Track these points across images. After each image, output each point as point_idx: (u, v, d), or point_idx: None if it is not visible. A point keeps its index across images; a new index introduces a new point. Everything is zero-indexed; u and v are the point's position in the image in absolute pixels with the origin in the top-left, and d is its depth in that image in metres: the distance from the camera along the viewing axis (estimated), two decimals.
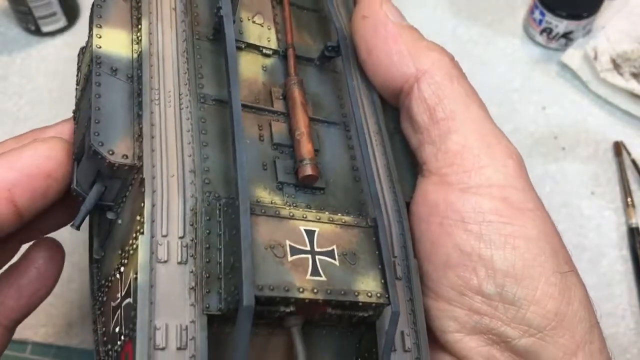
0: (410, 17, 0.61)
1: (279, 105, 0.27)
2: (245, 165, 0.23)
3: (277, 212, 0.23)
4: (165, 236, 0.22)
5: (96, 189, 0.25)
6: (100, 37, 0.26)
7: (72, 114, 0.32)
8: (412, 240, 0.27)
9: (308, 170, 0.25)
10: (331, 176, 0.27)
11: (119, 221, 0.26)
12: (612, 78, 0.54)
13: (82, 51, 0.39)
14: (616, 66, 0.54)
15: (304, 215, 0.24)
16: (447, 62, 0.28)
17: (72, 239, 0.47)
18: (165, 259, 0.22)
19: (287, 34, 0.29)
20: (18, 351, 0.44)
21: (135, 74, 0.26)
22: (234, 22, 0.27)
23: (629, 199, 0.49)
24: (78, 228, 0.26)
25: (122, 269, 0.24)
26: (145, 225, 0.22)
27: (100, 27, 0.27)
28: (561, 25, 0.55)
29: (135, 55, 0.26)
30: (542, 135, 0.53)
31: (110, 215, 0.26)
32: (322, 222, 0.24)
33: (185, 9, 0.27)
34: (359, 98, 0.29)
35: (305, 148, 0.25)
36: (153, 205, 0.22)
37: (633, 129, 0.54)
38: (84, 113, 0.26)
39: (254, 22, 0.29)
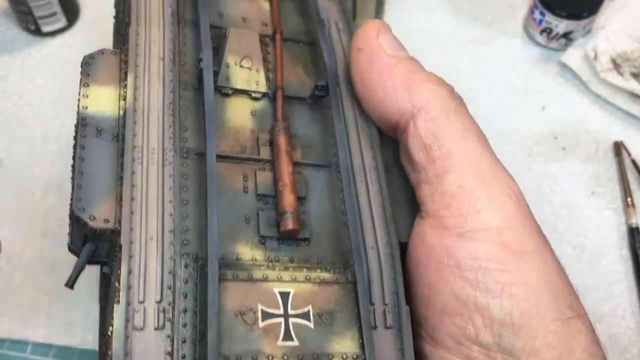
0: (410, 17, 0.61)
1: (265, 153, 0.27)
2: (215, 232, 0.23)
3: (250, 276, 0.23)
4: (142, 302, 0.22)
5: (87, 249, 0.25)
6: (87, 96, 0.26)
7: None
8: (410, 283, 0.27)
9: (289, 225, 0.25)
10: (317, 224, 0.26)
11: (112, 278, 0.26)
12: (612, 78, 0.54)
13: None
14: (616, 66, 0.54)
15: (279, 276, 0.24)
16: (444, 95, 0.27)
17: None
18: (142, 326, 0.22)
19: (277, 75, 0.28)
20: (18, 351, 0.44)
21: (120, 132, 0.26)
22: (219, 71, 0.27)
23: (629, 199, 0.49)
24: (72, 287, 0.26)
25: (110, 329, 0.24)
26: (120, 294, 0.22)
27: (88, 85, 0.27)
28: (561, 25, 0.55)
29: (121, 112, 0.26)
30: (542, 135, 0.53)
31: (105, 270, 0.26)
32: (299, 281, 0.24)
33: (174, 57, 0.27)
34: (356, 132, 0.28)
35: (288, 200, 0.25)
36: (130, 272, 0.22)
37: (633, 128, 0.54)
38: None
39: (241, 66, 0.28)
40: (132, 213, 0.23)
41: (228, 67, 0.28)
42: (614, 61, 0.55)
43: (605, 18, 0.57)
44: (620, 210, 0.50)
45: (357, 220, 0.26)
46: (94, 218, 0.24)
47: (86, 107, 0.26)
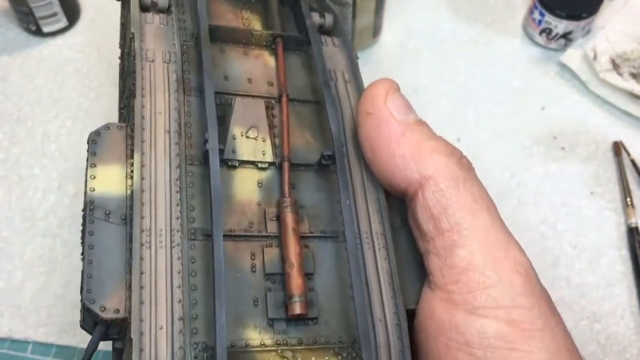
0: (410, 17, 0.61)
1: (272, 227, 0.26)
2: (224, 327, 0.22)
3: None
4: None
5: (98, 331, 0.25)
6: (94, 177, 0.26)
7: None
8: (419, 354, 0.27)
9: (297, 309, 0.24)
10: (325, 300, 0.26)
11: (124, 356, 0.25)
12: (612, 78, 0.54)
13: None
14: (615, 66, 0.54)
15: None
16: (453, 165, 0.27)
17: (71, 239, 0.48)
18: None
19: (283, 144, 0.28)
20: (19, 351, 0.44)
21: (128, 213, 0.25)
22: (225, 143, 0.27)
23: (628, 199, 0.49)
24: None
25: None
26: None
27: (95, 166, 0.26)
28: (561, 26, 0.55)
29: (129, 192, 0.26)
30: (542, 135, 0.53)
31: (118, 345, 0.26)
32: None
33: (179, 129, 0.27)
34: (363, 196, 0.28)
35: (295, 283, 0.25)
36: None
37: (632, 129, 0.54)
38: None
39: (247, 137, 0.28)
40: (141, 303, 0.23)
41: (234, 139, 0.27)
42: (613, 61, 0.55)
43: (605, 18, 0.57)
44: (620, 210, 0.50)
45: (363, 296, 0.25)
46: (105, 309, 0.24)
47: (93, 189, 0.26)
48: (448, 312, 0.25)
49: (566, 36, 0.56)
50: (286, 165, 0.27)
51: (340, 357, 0.25)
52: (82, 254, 0.26)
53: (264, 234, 0.26)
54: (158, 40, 0.29)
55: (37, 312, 0.45)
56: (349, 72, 0.32)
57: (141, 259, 0.24)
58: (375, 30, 0.57)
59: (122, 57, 0.37)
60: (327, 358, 0.25)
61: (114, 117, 0.49)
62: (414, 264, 0.28)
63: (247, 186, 0.27)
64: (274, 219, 0.27)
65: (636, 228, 0.48)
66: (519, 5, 0.61)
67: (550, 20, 0.55)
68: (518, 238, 0.51)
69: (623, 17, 0.57)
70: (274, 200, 0.27)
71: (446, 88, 0.56)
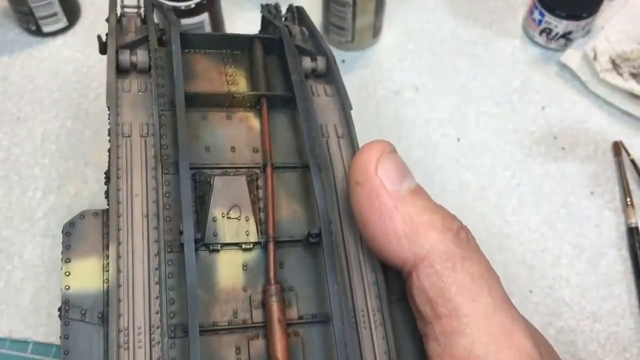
0: (410, 17, 0.61)
1: (258, 316, 0.24)
2: None
3: None
4: None
5: None
6: (68, 274, 0.24)
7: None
8: None
9: None
10: None
11: None
12: (612, 78, 0.54)
13: None
14: (615, 66, 0.54)
15: None
16: (449, 242, 0.24)
17: None
18: None
19: (268, 223, 0.26)
20: (19, 350, 0.44)
21: (105, 311, 0.24)
22: (205, 227, 0.25)
23: (628, 199, 0.49)
24: None
25: None
26: None
27: (69, 261, 0.24)
28: (560, 26, 0.56)
29: (105, 287, 0.24)
30: (542, 135, 0.53)
31: None
32: None
33: (158, 211, 0.25)
34: (359, 269, 0.26)
35: None
36: None
37: (632, 129, 0.54)
38: None
39: (229, 217, 0.25)
40: None
41: (215, 221, 0.25)
42: (613, 61, 0.55)
43: (605, 18, 0.57)
44: (620, 210, 0.50)
45: None
46: None
47: (68, 287, 0.24)
48: None
49: (566, 36, 0.56)
50: (271, 246, 0.25)
51: None
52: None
53: (249, 324, 0.24)
54: (136, 110, 0.27)
55: (37, 312, 0.45)
56: (342, 125, 0.30)
57: None
58: (375, 30, 0.57)
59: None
60: None
61: None
62: (413, 341, 0.26)
63: (231, 270, 0.25)
64: (259, 307, 0.25)
65: (636, 228, 0.48)
66: (519, 6, 0.61)
67: (550, 20, 0.55)
68: (518, 237, 0.51)
69: (623, 17, 0.58)
70: (260, 283, 0.25)
71: (446, 88, 0.56)
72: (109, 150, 0.26)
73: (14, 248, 0.47)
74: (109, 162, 0.26)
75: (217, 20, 0.54)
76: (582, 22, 0.55)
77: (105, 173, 0.28)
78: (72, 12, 0.58)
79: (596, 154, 0.53)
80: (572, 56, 0.56)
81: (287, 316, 0.24)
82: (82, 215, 0.25)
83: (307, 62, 0.31)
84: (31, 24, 0.56)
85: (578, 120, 0.54)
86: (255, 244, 0.26)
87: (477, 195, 0.50)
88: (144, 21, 0.33)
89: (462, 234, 0.25)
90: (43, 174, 0.50)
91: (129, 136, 0.27)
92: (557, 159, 0.52)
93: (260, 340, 0.24)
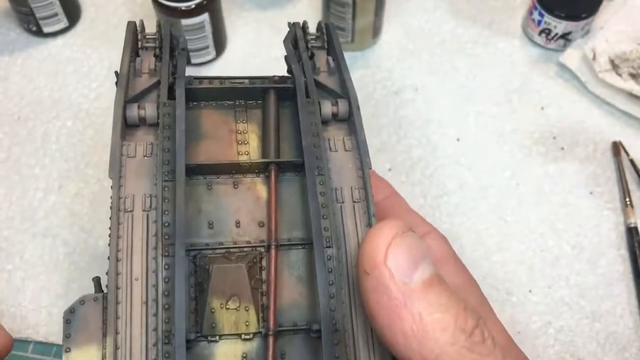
0: (410, 17, 0.61)
1: None
2: None
3: None
4: None
5: None
6: None
7: None
8: None
9: None
10: None
11: None
12: (611, 78, 0.54)
13: None
14: (615, 66, 0.55)
15: None
16: (462, 346, 0.23)
17: (72, 238, 0.48)
18: None
19: (269, 314, 0.24)
20: (20, 350, 0.44)
21: None
22: (203, 318, 0.24)
23: (627, 199, 0.50)
24: None
25: None
26: None
27: (69, 350, 0.24)
28: (560, 26, 0.56)
29: None
30: (541, 136, 0.54)
31: None
32: None
33: (157, 297, 0.24)
34: (367, 357, 0.25)
35: None
36: None
37: (631, 129, 0.54)
38: None
39: (227, 308, 0.24)
40: None
41: (213, 312, 0.24)
42: (612, 62, 0.55)
43: (604, 19, 0.58)
44: (619, 210, 0.50)
45: None
46: None
47: None
48: None
49: (565, 36, 0.57)
50: (271, 341, 0.24)
51: None
52: None
53: None
54: (139, 179, 0.26)
55: (37, 311, 0.45)
56: (359, 187, 0.28)
57: None
58: (375, 31, 0.57)
59: None
60: None
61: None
62: None
63: None
64: None
65: (635, 228, 0.48)
66: (519, 6, 0.61)
67: (550, 20, 0.56)
68: (518, 237, 0.51)
69: (622, 18, 0.58)
70: None
71: (446, 88, 0.56)
72: (110, 227, 0.25)
73: (14, 248, 0.47)
74: (109, 241, 0.25)
75: (217, 20, 0.55)
76: (582, 23, 0.55)
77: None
78: (72, 13, 0.58)
79: (595, 154, 0.53)
80: (571, 56, 0.56)
81: None
82: (82, 301, 0.24)
83: (327, 107, 0.30)
84: (32, 24, 0.56)
85: (577, 120, 0.54)
86: (255, 334, 0.25)
87: (477, 195, 0.51)
88: (158, 56, 0.31)
89: (476, 336, 0.23)
90: (44, 174, 0.51)
91: (131, 211, 0.26)
92: (556, 159, 0.53)
93: None
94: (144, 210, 0.26)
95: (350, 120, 0.30)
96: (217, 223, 0.26)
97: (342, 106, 0.30)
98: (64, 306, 0.45)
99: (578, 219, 0.50)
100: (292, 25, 0.34)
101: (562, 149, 0.53)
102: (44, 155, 0.51)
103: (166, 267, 0.24)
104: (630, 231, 0.48)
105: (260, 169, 0.27)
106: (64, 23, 0.57)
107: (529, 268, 0.47)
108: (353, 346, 0.25)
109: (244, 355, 0.24)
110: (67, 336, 0.24)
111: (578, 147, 0.53)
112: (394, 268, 0.23)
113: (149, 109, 0.28)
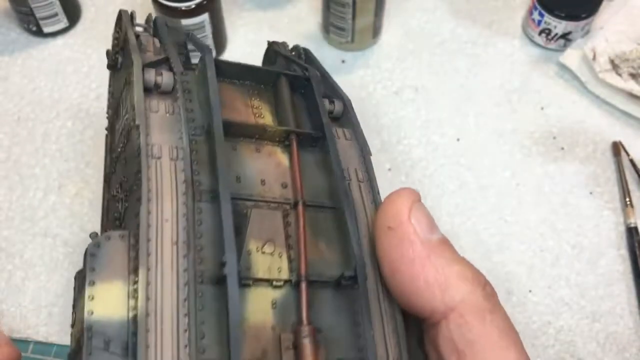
0: (410, 17, 0.61)
1: (288, 358, 0.23)
2: None
3: None
4: None
5: None
6: (92, 298, 0.23)
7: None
8: None
9: None
10: None
11: None
12: (611, 78, 0.54)
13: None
14: (615, 66, 0.55)
15: None
16: (479, 294, 0.25)
17: (73, 238, 0.48)
18: None
19: (300, 263, 0.25)
20: (20, 350, 0.44)
21: (130, 342, 0.23)
22: (239, 259, 0.24)
23: (627, 199, 0.50)
24: None
25: None
26: None
27: (94, 284, 0.23)
28: (560, 26, 0.56)
29: (131, 315, 0.23)
30: (541, 136, 0.54)
31: None
32: None
33: (188, 239, 0.24)
34: (380, 317, 0.26)
35: None
36: None
37: (631, 129, 0.54)
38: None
39: (263, 252, 0.25)
40: None
41: (249, 254, 0.25)
42: (612, 62, 0.55)
43: (604, 19, 0.58)
44: (619, 210, 0.50)
45: None
46: None
47: (92, 313, 0.23)
48: None
49: (565, 36, 0.57)
50: (304, 286, 0.25)
51: None
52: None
53: None
54: (164, 132, 0.27)
55: (37, 311, 0.45)
56: (362, 170, 0.30)
57: None
58: (375, 31, 0.57)
59: (109, 130, 0.35)
60: None
61: None
62: None
63: (260, 307, 0.25)
64: (290, 347, 0.24)
65: (635, 228, 0.48)
66: (519, 6, 0.61)
67: (550, 20, 0.56)
68: (518, 237, 0.51)
69: (622, 18, 0.58)
70: (289, 324, 0.24)
71: (446, 88, 0.56)
72: (138, 172, 0.26)
73: (14, 248, 0.47)
74: (138, 183, 0.25)
75: (217, 20, 0.55)
76: (582, 23, 0.55)
77: (104, 178, 0.27)
78: (72, 13, 0.58)
79: (595, 154, 0.53)
80: (571, 56, 0.56)
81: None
82: (108, 237, 0.24)
83: (325, 104, 0.31)
84: (32, 25, 0.56)
85: (577, 120, 0.54)
86: (285, 281, 0.25)
87: (477, 195, 0.51)
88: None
89: (488, 288, 0.25)
90: (44, 174, 0.51)
91: (159, 158, 0.26)
92: (556, 159, 0.53)
93: None
94: (171, 159, 0.26)
95: (344, 117, 0.32)
96: (244, 179, 0.27)
97: (338, 106, 0.32)
98: (64, 306, 0.45)
99: (578, 219, 0.50)
100: (271, 44, 0.36)
101: (562, 149, 0.53)
102: (44, 155, 0.51)
103: (199, 211, 0.25)
104: (630, 231, 0.48)
105: (281, 137, 0.28)
106: (64, 23, 0.57)
107: (529, 268, 0.48)
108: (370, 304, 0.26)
109: (274, 302, 0.25)
110: (91, 269, 0.23)
111: (578, 147, 0.53)
112: (417, 225, 0.25)
113: (166, 77, 0.28)
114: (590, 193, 0.51)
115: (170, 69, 0.29)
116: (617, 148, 0.52)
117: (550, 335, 0.45)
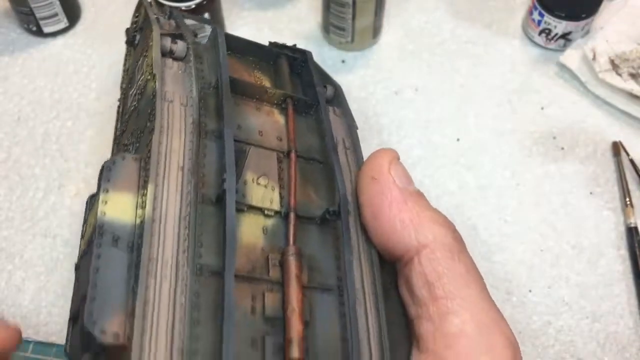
0: (410, 17, 0.61)
1: (275, 273, 0.26)
2: None
3: None
4: None
5: (86, 358, 0.24)
6: (105, 203, 0.26)
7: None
8: None
9: (295, 354, 0.24)
10: (320, 350, 0.26)
11: None
12: (611, 78, 0.54)
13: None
14: (615, 67, 0.55)
15: None
16: (449, 237, 0.28)
17: (73, 239, 0.48)
18: None
19: (290, 197, 0.29)
20: (20, 350, 0.44)
21: (135, 242, 0.25)
22: (237, 187, 0.27)
23: (627, 199, 0.50)
24: None
25: None
26: None
27: (107, 191, 0.26)
28: (560, 26, 0.56)
29: (138, 221, 0.26)
30: (541, 136, 0.54)
31: None
32: None
33: (193, 168, 0.27)
34: (358, 255, 0.29)
35: (295, 328, 0.25)
36: None
37: (631, 129, 0.54)
38: (84, 278, 0.26)
39: (258, 183, 0.28)
40: (143, 331, 0.23)
41: (245, 184, 0.28)
42: (612, 62, 0.55)
43: (604, 19, 0.58)
44: (619, 210, 0.50)
45: (360, 352, 0.26)
46: (105, 332, 0.23)
47: (104, 214, 0.25)
48: None
49: (565, 37, 0.57)
50: (292, 216, 0.28)
51: None
52: (79, 276, 0.26)
53: (265, 277, 0.26)
54: (176, 84, 0.30)
55: (37, 311, 0.45)
56: (349, 140, 0.33)
57: (146, 287, 0.24)
58: (375, 31, 0.57)
59: (122, 100, 0.38)
60: None
61: (113, 118, 0.50)
62: (401, 326, 0.28)
63: (252, 231, 0.27)
64: (277, 265, 0.27)
65: (635, 228, 0.48)
66: (519, 6, 0.61)
67: (550, 20, 0.56)
68: (518, 237, 0.51)
69: (622, 18, 0.58)
70: (277, 248, 0.27)
71: (446, 88, 0.56)
72: (152, 110, 0.29)
73: (14, 248, 0.47)
74: (152, 120, 0.28)
75: (217, 20, 0.55)
76: (582, 23, 0.55)
77: (114, 144, 0.31)
78: (72, 13, 0.58)
79: (595, 154, 0.53)
80: (571, 56, 0.56)
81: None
82: (123, 157, 0.27)
83: (319, 87, 0.34)
84: (32, 25, 0.56)
85: (577, 120, 0.54)
86: (276, 212, 0.28)
87: (477, 195, 0.51)
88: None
89: (457, 234, 0.28)
90: (44, 174, 0.51)
91: (172, 101, 0.29)
92: (556, 159, 0.53)
93: (274, 294, 0.26)
94: (181, 104, 0.29)
95: (335, 100, 0.35)
96: (244, 128, 0.30)
97: (330, 90, 0.35)
98: (64, 306, 0.45)
99: (578, 219, 0.50)
100: (272, 44, 0.39)
101: (562, 149, 0.53)
102: (44, 155, 0.51)
103: (204, 146, 0.28)
104: (630, 231, 0.48)
105: (279, 100, 0.32)
106: (64, 23, 0.57)
107: (529, 268, 0.48)
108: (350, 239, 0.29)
109: (265, 229, 0.28)
110: (106, 180, 0.26)
111: (578, 147, 0.53)
112: (396, 176, 0.29)
113: (180, 45, 0.32)
114: (590, 193, 0.51)
115: (184, 40, 0.32)
116: (617, 148, 0.52)
117: (550, 335, 0.45)
